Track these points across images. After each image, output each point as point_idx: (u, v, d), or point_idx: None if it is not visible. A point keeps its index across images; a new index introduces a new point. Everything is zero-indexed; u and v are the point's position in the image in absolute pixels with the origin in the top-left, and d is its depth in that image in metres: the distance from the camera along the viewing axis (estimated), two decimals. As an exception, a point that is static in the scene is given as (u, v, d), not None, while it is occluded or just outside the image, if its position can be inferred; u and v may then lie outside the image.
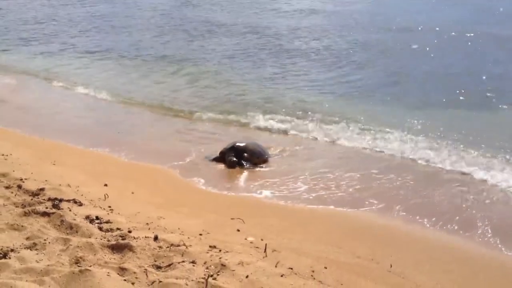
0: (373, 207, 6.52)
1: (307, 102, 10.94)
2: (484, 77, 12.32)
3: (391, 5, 23.54)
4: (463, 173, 7.47)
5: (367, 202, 6.64)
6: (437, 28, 17.78)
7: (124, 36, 17.97)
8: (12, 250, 3.96)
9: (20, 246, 4.08)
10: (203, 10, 22.61)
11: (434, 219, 6.18)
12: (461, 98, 10.96)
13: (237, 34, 17.73)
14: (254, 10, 22.55)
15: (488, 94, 11.04)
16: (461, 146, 8.27)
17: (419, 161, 7.93)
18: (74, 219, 4.72)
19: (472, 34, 16.62)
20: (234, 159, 7.86)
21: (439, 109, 10.43)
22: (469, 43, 15.93)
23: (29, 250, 4.02)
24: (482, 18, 19.48)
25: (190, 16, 21.25)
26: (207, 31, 18.40)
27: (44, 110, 10.80)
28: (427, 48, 15.31)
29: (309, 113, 10.15)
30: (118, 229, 4.71)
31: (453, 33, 17.04)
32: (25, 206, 4.97)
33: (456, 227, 6.03)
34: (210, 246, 4.48)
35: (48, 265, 3.77)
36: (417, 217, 6.24)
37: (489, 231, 5.91)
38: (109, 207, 5.55)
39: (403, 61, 14.31)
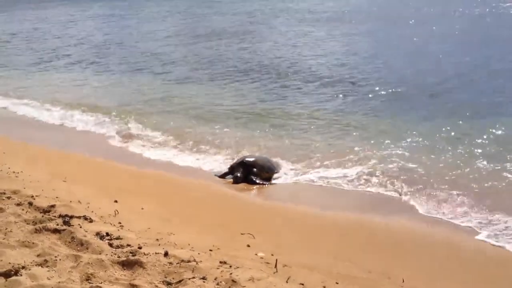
0: (385, 217, 6.48)
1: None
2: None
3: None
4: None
5: (378, 211, 6.62)
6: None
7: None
8: (23, 267, 3.97)
9: (31, 263, 4.08)
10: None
11: (447, 229, 6.10)
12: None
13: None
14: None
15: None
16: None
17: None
18: (85, 236, 4.72)
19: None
20: (239, 175, 7.83)
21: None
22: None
23: (40, 267, 4.02)
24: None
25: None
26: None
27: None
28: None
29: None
30: (128, 245, 4.71)
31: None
32: (36, 223, 4.98)
33: (471, 238, 5.92)
34: (220, 262, 4.46)
35: (59, 282, 3.77)
36: (432, 227, 6.16)
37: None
38: (119, 223, 5.56)
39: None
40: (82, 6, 34.14)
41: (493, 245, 5.76)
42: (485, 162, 7.83)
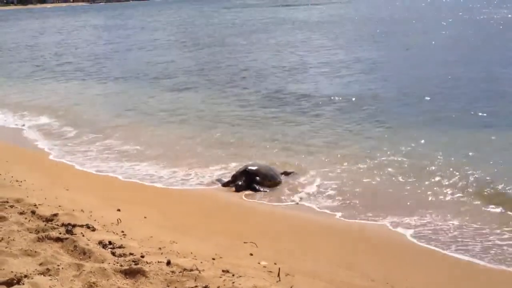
0: (387, 222, 6.48)
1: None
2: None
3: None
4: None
5: (381, 217, 6.62)
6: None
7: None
8: (25, 276, 3.96)
9: (34, 272, 4.08)
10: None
11: (452, 236, 6.04)
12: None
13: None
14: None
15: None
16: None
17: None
18: (87, 244, 4.72)
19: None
20: (240, 183, 7.83)
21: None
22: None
23: (42, 276, 4.02)
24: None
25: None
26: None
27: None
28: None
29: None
30: (131, 254, 4.70)
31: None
32: (38, 231, 4.99)
33: (476, 247, 5.83)
34: (223, 271, 4.44)
35: (61, 291, 3.76)
36: (435, 234, 6.12)
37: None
38: (122, 231, 5.55)
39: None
40: (83, 16, 34.54)
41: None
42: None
